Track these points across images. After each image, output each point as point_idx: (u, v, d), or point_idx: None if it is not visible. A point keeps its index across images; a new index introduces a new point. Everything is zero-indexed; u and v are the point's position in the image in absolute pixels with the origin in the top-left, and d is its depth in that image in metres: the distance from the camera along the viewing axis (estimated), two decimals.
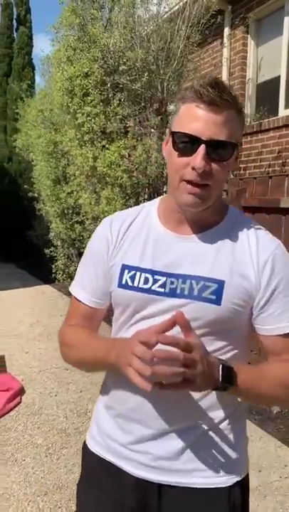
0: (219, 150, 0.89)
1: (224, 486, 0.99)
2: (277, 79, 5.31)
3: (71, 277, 6.42)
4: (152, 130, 4.75)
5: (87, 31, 4.63)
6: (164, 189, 5.71)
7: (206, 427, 0.99)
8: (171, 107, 5.29)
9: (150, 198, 5.02)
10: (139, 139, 4.65)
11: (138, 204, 5.30)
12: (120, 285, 1.00)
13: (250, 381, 0.90)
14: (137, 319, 0.99)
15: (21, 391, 3.56)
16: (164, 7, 4.85)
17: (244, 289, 0.94)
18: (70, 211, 6.43)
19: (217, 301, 0.92)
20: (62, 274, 7.03)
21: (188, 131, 0.89)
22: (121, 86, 4.62)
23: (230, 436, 1.01)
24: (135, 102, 4.66)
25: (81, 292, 1.08)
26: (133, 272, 0.98)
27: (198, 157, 0.88)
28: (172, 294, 0.95)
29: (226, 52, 5.78)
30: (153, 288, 0.96)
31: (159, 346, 0.81)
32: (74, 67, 4.62)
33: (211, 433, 1.00)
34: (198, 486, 0.99)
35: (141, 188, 4.83)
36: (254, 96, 5.75)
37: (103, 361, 0.96)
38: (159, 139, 4.72)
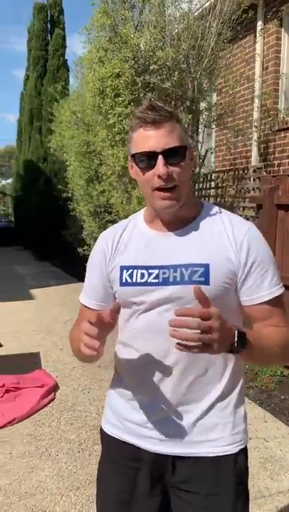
0: (174, 155, 1.06)
1: (231, 453, 1.13)
2: None
3: None
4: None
5: (118, 32, 4.67)
6: (196, 187, 5.69)
7: (212, 400, 1.13)
8: (202, 105, 5.26)
9: None
10: None
11: None
12: (121, 284, 1.15)
13: (256, 344, 1.01)
14: (142, 310, 1.13)
15: (55, 387, 3.65)
16: (196, 4, 4.82)
17: (227, 268, 1.09)
18: (102, 210, 6.51)
19: (206, 282, 1.07)
20: None
21: (145, 149, 1.06)
22: (152, 85, 4.63)
23: (234, 409, 1.16)
24: (166, 101, 4.65)
25: (86, 299, 1.25)
26: (130, 271, 1.14)
27: (159, 166, 1.04)
28: (166, 282, 1.10)
29: (258, 47, 5.68)
30: (149, 280, 1.11)
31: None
32: (105, 67, 4.67)
33: (217, 406, 1.13)
34: (208, 455, 1.12)
35: None
36: (288, 91, 5.62)
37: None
38: (190, 138, 4.71)
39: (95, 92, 4.88)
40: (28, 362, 4.22)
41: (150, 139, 1.05)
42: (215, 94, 5.91)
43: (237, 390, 1.17)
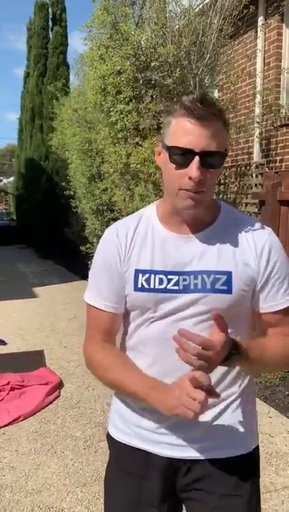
0: (211, 160, 0.99)
1: (245, 452, 1.13)
2: None
3: None
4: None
5: (119, 29, 4.65)
6: None
7: (225, 404, 1.11)
8: None
9: None
10: None
11: None
12: (136, 289, 1.08)
13: (256, 357, 1.02)
14: (156, 317, 1.08)
15: (60, 385, 3.67)
16: (196, 0, 4.80)
17: (248, 275, 1.07)
18: (105, 208, 6.51)
19: (228, 291, 1.04)
20: None
21: (183, 144, 0.98)
22: (153, 82, 4.62)
23: (246, 408, 1.14)
24: (168, 97, 4.64)
25: (102, 302, 1.13)
26: (147, 275, 1.07)
27: (193, 168, 0.97)
28: (186, 290, 1.05)
29: (260, 42, 5.64)
30: (168, 287, 1.05)
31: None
32: (106, 65, 4.66)
33: (229, 409, 1.11)
34: (223, 456, 1.10)
35: None
36: None
37: (139, 397, 1.05)
38: None
39: (96, 89, 4.87)
40: (32, 360, 4.24)
41: (192, 134, 0.97)
42: (216, 90, 5.89)
43: (248, 389, 1.16)
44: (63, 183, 8.66)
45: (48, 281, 8.41)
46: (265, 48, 5.66)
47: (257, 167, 5.43)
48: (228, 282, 1.04)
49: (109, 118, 4.81)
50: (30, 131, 14.15)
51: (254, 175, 5.38)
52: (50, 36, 13.14)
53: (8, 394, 3.43)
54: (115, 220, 6.08)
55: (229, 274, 1.05)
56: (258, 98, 5.64)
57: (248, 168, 5.55)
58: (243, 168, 5.60)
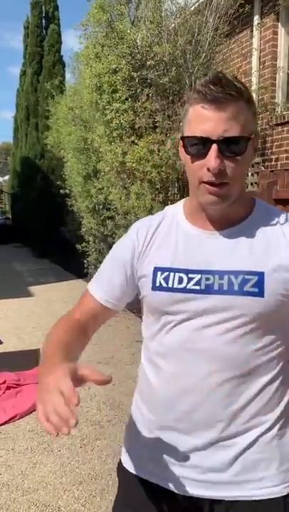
0: (232, 146, 0.87)
1: (278, 496, 0.94)
2: None
3: None
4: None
5: (115, 27, 4.65)
6: None
7: (255, 435, 0.95)
8: None
9: (179, 193, 5.02)
10: (167, 133, 4.65)
11: (167, 199, 5.24)
12: (154, 288, 0.97)
13: None
14: (175, 322, 0.96)
15: None
16: None
17: (284, 277, 0.91)
18: (101, 207, 6.50)
19: (260, 294, 0.90)
20: (94, 269, 7.14)
21: (197, 133, 0.88)
22: (149, 81, 4.63)
23: (281, 441, 0.97)
24: (163, 96, 4.65)
25: (97, 289, 1.07)
26: (166, 274, 0.96)
27: (211, 158, 0.87)
28: (209, 290, 0.92)
29: (255, 41, 5.67)
30: (188, 287, 0.93)
31: None
32: (102, 63, 4.66)
33: (261, 439, 0.95)
34: (251, 499, 0.94)
35: (170, 182, 4.84)
36: (285, 85, 5.62)
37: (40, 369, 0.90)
38: None
39: (92, 88, 4.87)
40: (28, 359, 4.24)
41: (206, 120, 0.86)
42: None
43: (285, 419, 0.98)
44: (59, 182, 8.64)
45: (44, 280, 8.41)
46: (260, 46, 5.68)
47: (252, 166, 5.44)
48: (260, 284, 0.90)
49: (104, 116, 4.81)
50: (25, 129, 14.12)
51: (250, 174, 5.40)
52: (45, 34, 13.10)
53: (4, 393, 3.43)
54: (111, 218, 6.12)
55: (261, 274, 0.90)
56: (254, 97, 5.66)
57: None
58: None
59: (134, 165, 4.60)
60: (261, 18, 5.60)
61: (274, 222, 0.97)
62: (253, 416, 0.94)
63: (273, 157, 5.50)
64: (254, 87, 5.65)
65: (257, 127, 0.99)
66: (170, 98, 4.67)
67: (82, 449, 2.76)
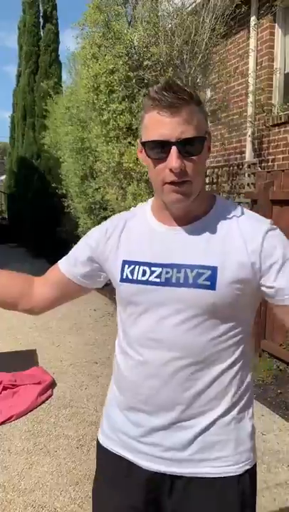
0: (189, 147, 0.93)
1: (232, 474, 1.02)
2: None
3: None
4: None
5: (112, 27, 4.65)
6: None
7: (214, 416, 1.02)
8: None
9: None
10: None
11: None
12: (122, 279, 1.06)
13: None
14: (139, 312, 1.04)
15: (52, 384, 3.66)
16: None
17: (240, 272, 0.97)
18: (98, 207, 6.50)
19: (212, 287, 0.96)
20: None
21: (157, 137, 0.93)
22: (146, 81, 4.63)
23: (238, 424, 1.05)
24: None
25: (63, 261, 1.20)
26: (132, 266, 1.04)
27: (172, 159, 0.92)
28: (168, 283, 0.99)
29: (252, 42, 5.68)
30: (150, 279, 1.01)
31: None
32: (99, 64, 4.66)
33: (219, 422, 1.03)
34: (208, 476, 1.02)
35: None
36: (282, 86, 5.63)
37: None
38: None
39: (88, 88, 4.86)
40: (24, 359, 4.22)
41: (163, 125, 0.92)
42: (209, 89, 5.91)
43: (243, 404, 1.06)
44: (55, 182, 8.63)
45: None
46: (257, 47, 5.69)
47: (249, 166, 5.46)
48: (212, 278, 0.96)
49: (101, 117, 4.81)
50: (22, 129, 14.06)
51: (246, 174, 5.41)
52: (42, 34, 13.06)
53: (0, 394, 3.42)
54: (108, 218, 6.11)
55: (214, 269, 0.97)
56: (251, 97, 5.67)
57: (240, 167, 5.57)
58: (236, 168, 5.62)
59: (130, 165, 4.60)
60: (258, 19, 5.61)
61: (231, 217, 1.03)
62: (210, 400, 1.02)
63: (270, 158, 5.51)
64: (251, 88, 5.66)
65: (208, 127, 1.04)
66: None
67: (79, 449, 2.75)
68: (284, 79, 5.61)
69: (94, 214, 6.66)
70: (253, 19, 5.62)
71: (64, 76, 12.53)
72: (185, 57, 4.47)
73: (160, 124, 0.93)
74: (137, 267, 1.04)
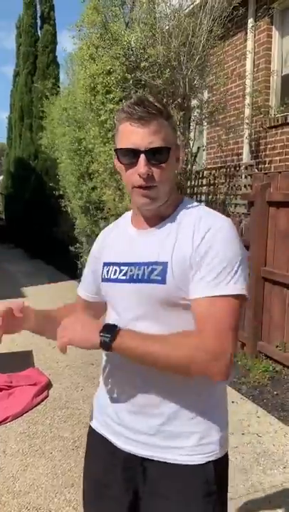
0: (157, 155, 1.04)
1: (195, 463, 1.09)
2: None
3: None
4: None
5: (109, 29, 4.65)
6: (188, 184, 5.70)
7: (178, 407, 1.10)
8: (194, 102, 5.26)
9: None
10: None
11: None
12: (102, 279, 1.21)
13: (134, 348, 1.00)
14: (112, 305, 1.19)
15: (48, 385, 3.65)
16: (186, 1, 4.82)
17: (185, 265, 1.04)
18: (94, 207, 6.49)
19: (162, 281, 1.05)
20: None
21: (128, 145, 1.05)
22: (143, 83, 4.63)
23: (203, 419, 1.11)
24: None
25: (80, 287, 1.37)
26: (108, 267, 1.18)
27: (140, 165, 1.04)
28: (131, 279, 1.11)
29: (249, 44, 5.70)
30: (118, 277, 1.14)
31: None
32: (96, 64, 4.65)
33: (183, 414, 1.10)
34: (172, 462, 1.10)
35: None
36: (279, 88, 5.65)
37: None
38: (182, 135, 4.71)
39: (86, 89, 4.86)
40: (20, 360, 4.21)
41: (134, 135, 1.04)
42: (206, 91, 5.92)
43: (208, 399, 1.12)
44: (52, 183, 8.61)
45: (37, 281, 8.36)
46: (254, 49, 5.71)
47: (246, 168, 5.47)
48: (163, 273, 1.05)
49: (98, 117, 4.80)
50: (19, 130, 14.05)
51: (243, 176, 5.42)
52: (39, 34, 13.05)
53: None
54: (105, 219, 6.10)
55: (165, 264, 1.06)
56: (248, 99, 5.68)
57: (237, 169, 5.58)
58: (233, 169, 5.63)
59: None
60: (255, 21, 5.62)
61: (191, 215, 1.11)
62: (178, 389, 1.08)
63: (267, 160, 5.52)
64: (248, 90, 5.67)
65: (177, 140, 1.15)
66: (164, 100, 4.67)
67: (74, 451, 2.74)
68: (281, 81, 5.62)
69: (90, 215, 6.65)
70: (250, 21, 5.64)
71: (62, 77, 12.53)
72: (182, 58, 4.48)
73: (131, 134, 1.04)
74: (111, 267, 1.17)
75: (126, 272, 1.13)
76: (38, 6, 13.03)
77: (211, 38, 4.56)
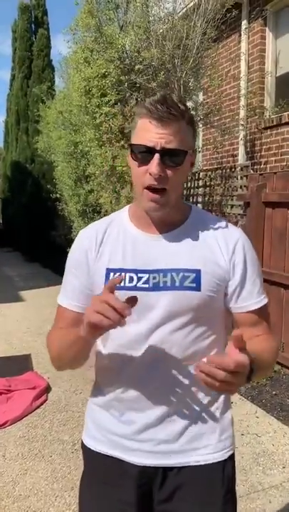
0: (172, 157, 1.00)
1: (219, 460, 1.11)
2: None
3: None
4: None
5: (103, 32, 4.67)
6: (184, 186, 5.71)
7: (200, 407, 1.10)
8: (189, 104, 5.28)
9: None
10: None
11: None
12: None
13: (259, 367, 0.98)
14: (130, 318, 1.04)
15: (47, 389, 3.65)
16: (180, 3, 4.84)
17: (218, 274, 1.07)
18: (91, 210, 6.50)
19: (197, 288, 1.04)
20: None
21: (144, 142, 1.00)
22: (138, 85, 4.65)
23: (220, 414, 1.13)
24: None
25: (63, 299, 1.17)
26: (118, 274, 1.07)
27: (154, 164, 0.99)
28: (155, 287, 1.05)
29: (243, 45, 5.72)
30: (138, 285, 1.05)
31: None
32: (91, 68, 4.67)
33: (205, 412, 1.11)
34: (197, 464, 1.09)
35: None
36: (273, 89, 5.67)
37: (76, 339, 1.03)
38: None
39: (81, 92, 4.88)
40: (19, 364, 4.21)
41: (152, 133, 0.99)
42: (201, 93, 5.94)
43: (223, 395, 1.14)
44: (49, 186, 8.62)
45: (35, 285, 8.36)
46: (248, 51, 5.73)
47: (242, 169, 5.48)
48: (197, 280, 1.04)
49: (94, 120, 4.82)
50: (15, 133, 14.06)
51: (239, 177, 5.44)
52: (34, 39, 13.09)
53: None
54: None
55: (198, 271, 1.05)
56: (243, 101, 5.70)
57: (233, 170, 5.59)
58: (228, 171, 5.64)
59: (124, 169, 4.61)
60: (249, 23, 5.65)
61: (207, 224, 1.12)
62: (196, 392, 1.09)
63: (262, 160, 5.54)
64: (243, 92, 5.69)
65: (195, 146, 1.12)
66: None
67: (74, 454, 2.74)
68: (275, 82, 5.65)
69: (88, 217, 6.66)
70: (244, 23, 5.66)
71: (57, 80, 12.55)
72: (176, 61, 4.50)
73: (149, 132, 1.00)
74: (123, 274, 1.06)
75: (147, 280, 1.05)
76: (32, 11, 13.09)
77: (205, 40, 4.58)
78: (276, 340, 1.13)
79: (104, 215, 5.55)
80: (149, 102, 1.00)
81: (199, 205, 5.77)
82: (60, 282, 1.22)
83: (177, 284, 1.04)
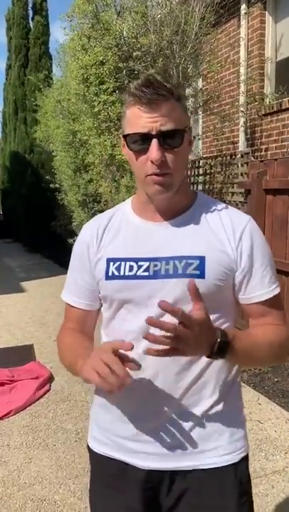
0: (169, 139, 0.96)
1: (231, 463, 1.04)
2: None
3: None
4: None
5: (100, 19, 4.60)
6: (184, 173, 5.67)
7: (207, 406, 1.04)
8: (188, 91, 5.22)
9: None
10: None
11: None
12: (107, 277, 1.05)
13: (243, 349, 0.95)
14: (130, 308, 1.04)
15: (50, 378, 3.67)
16: None
17: (224, 262, 1.01)
18: (91, 200, 6.48)
19: (201, 275, 0.99)
20: None
21: (138, 130, 0.96)
22: (136, 72, 4.59)
23: (230, 414, 1.07)
24: None
25: (71, 298, 1.15)
26: (118, 263, 1.04)
27: (153, 150, 0.95)
28: (157, 275, 1.01)
29: (243, 30, 5.64)
30: (138, 273, 1.02)
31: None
32: (89, 55, 4.61)
33: (213, 412, 1.04)
34: (207, 467, 1.03)
35: None
36: (273, 74, 5.60)
37: (75, 367, 1.01)
38: None
39: (79, 80, 4.82)
40: (21, 354, 4.23)
41: (144, 119, 0.95)
42: (200, 79, 5.87)
43: (234, 393, 1.09)
44: (48, 176, 8.58)
45: (36, 275, 8.36)
46: (248, 36, 5.65)
47: (242, 156, 5.44)
48: (201, 267, 0.99)
49: (92, 108, 4.77)
50: (13, 123, 13.95)
51: (239, 164, 5.40)
52: (31, 26, 12.89)
53: None
54: (102, 211, 6.08)
55: (202, 258, 0.99)
56: (242, 87, 5.64)
57: (233, 157, 5.55)
58: (229, 158, 5.60)
59: (123, 157, 4.57)
60: (248, 7, 5.56)
61: (213, 211, 1.07)
62: (202, 389, 1.02)
63: (263, 147, 5.49)
64: (242, 77, 5.63)
65: (189, 122, 1.07)
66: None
67: (78, 442, 2.77)
68: (275, 67, 5.58)
69: (88, 207, 6.64)
70: (243, 7, 5.57)
71: (54, 69, 12.41)
72: (175, 47, 4.44)
73: (141, 119, 0.95)
74: (123, 263, 1.03)
75: (148, 268, 1.01)
76: None
77: (204, 26, 4.51)
78: (286, 336, 1.05)
79: (104, 205, 5.54)
80: (134, 88, 0.96)
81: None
82: (61, 272, 1.23)
83: (180, 271, 0.99)
